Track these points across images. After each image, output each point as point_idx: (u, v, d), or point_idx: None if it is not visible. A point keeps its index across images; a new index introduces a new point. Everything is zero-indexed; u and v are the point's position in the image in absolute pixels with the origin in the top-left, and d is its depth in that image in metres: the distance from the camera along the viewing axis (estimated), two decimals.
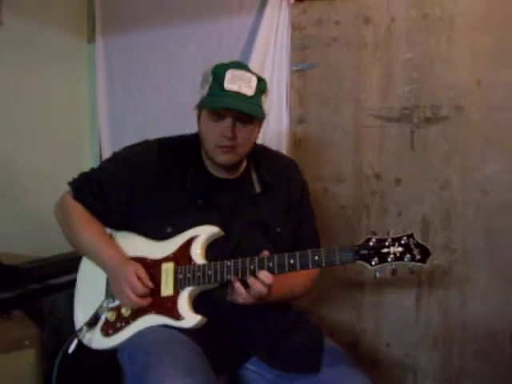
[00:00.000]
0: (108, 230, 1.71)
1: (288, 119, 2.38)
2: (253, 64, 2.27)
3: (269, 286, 1.44)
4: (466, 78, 2.09)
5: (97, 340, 1.59)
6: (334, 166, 2.35)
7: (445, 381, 2.22)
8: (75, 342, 1.57)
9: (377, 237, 1.39)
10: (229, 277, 1.48)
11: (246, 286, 1.46)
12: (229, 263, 1.48)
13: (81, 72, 2.92)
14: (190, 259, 1.55)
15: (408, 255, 1.36)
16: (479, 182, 2.10)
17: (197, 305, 1.53)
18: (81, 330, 1.59)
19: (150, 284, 1.54)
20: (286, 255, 1.44)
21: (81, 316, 1.66)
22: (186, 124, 1.99)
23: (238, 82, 1.51)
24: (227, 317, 1.57)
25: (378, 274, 1.38)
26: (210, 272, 1.50)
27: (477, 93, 2.08)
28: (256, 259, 1.46)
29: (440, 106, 2.14)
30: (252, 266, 1.45)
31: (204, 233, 1.57)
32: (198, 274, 1.51)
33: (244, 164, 1.70)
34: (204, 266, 1.52)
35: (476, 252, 2.12)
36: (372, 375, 1.51)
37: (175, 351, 1.39)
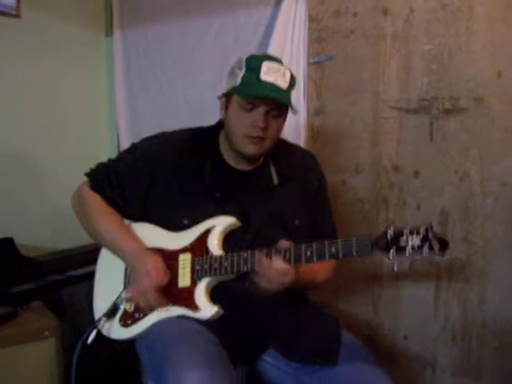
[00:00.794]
0: (126, 221, 1.72)
1: (306, 111, 2.38)
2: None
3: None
4: (485, 69, 2.06)
5: (115, 330, 1.61)
6: (352, 158, 2.34)
7: (463, 376, 2.20)
8: (94, 332, 1.58)
9: (395, 228, 1.37)
10: (246, 268, 1.48)
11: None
12: (246, 254, 1.48)
13: (99, 65, 2.94)
14: (207, 250, 1.55)
15: (427, 246, 1.33)
16: (498, 174, 2.07)
17: (214, 295, 1.54)
18: (99, 320, 1.61)
19: (168, 275, 1.55)
20: (303, 246, 1.44)
21: (100, 306, 1.67)
22: (202, 116, 2.00)
23: (275, 74, 1.53)
24: (244, 308, 1.57)
25: (395, 267, 1.37)
26: (226, 263, 1.50)
27: (497, 84, 2.05)
28: (273, 250, 1.45)
29: (459, 98, 2.11)
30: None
31: (221, 224, 1.57)
32: (215, 265, 1.51)
33: (262, 156, 1.70)
34: (221, 257, 1.52)
35: (495, 244, 2.09)
36: (389, 369, 1.50)
37: (193, 341, 1.40)
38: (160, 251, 1.60)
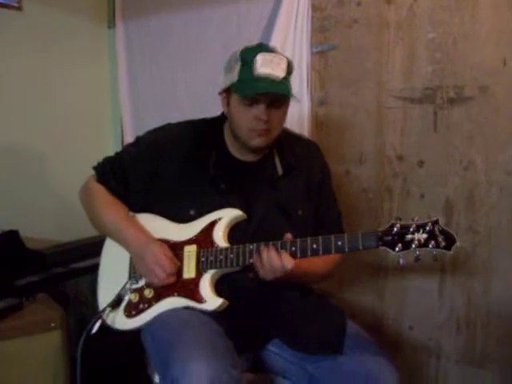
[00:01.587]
0: (131, 213, 1.72)
1: (309, 101, 2.36)
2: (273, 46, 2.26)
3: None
4: (490, 58, 2.04)
5: (120, 321, 1.61)
6: (356, 148, 2.32)
7: (468, 365, 2.20)
8: (98, 322, 1.59)
9: (401, 223, 1.37)
10: (251, 260, 1.48)
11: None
12: (251, 247, 1.49)
13: (101, 57, 2.93)
14: (212, 242, 1.56)
15: (432, 242, 1.33)
16: (503, 163, 2.06)
17: (219, 287, 1.54)
18: (104, 310, 1.61)
19: (177, 262, 1.56)
20: (309, 240, 1.44)
21: (104, 297, 1.67)
22: (205, 107, 1.99)
23: (270, 65, 1.51)
24: (249, 299, 1.57)
25: (401, 261, 1.36)
26: (232, 255, 1.51)
27: (502, 72, 2.03)
28: (279, 243, 1.46)
29: (464, 87, 2.09)
30: None
31: (227, 216, 1.57)
32: (221, 257, 1.52)
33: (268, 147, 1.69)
34: (226, 249, 1.52)
35: (500, 234, 2.08)
36: (394, 358, 1.50)
37: (198, 332, 1.41)
38: (165, 242, 1.60)
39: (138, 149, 1.72)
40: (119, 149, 1.87)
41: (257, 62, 1.51)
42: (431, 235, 1.34)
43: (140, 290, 1.61)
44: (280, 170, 1.68)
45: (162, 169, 1.65)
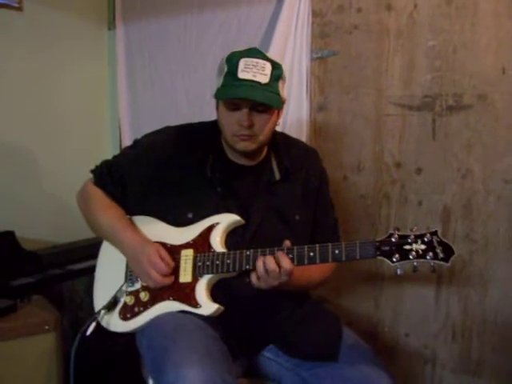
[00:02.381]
0: (128, 216, 1.71)
1: (308, 107, 2.36)
2: (273, 51, 2.26)
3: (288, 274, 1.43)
4: (490, 66, 2.05)
5: (115, 323, 1.61)
6: (354, 155, 2.33)
7: (463, 373, 2.20)
8: (93, 324, 1.58)
9: (399, 233, 1.37)
10: (248, 266, 1.48)
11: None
12: (248, 253, 1.48)
13: (101, 58, 2.92)
14: (209, 247, 1.55)
15: (431, 253, 1.33)
16: (501, 172, 2.06)
17: (214, 291, 1.54)
18: (99, 312, 1.61)
19: (172, 263, 1.55)
20: (306, 248, 1.43)
21: (100, 299, 1.67)
22: (204, 111, 1.98)
23: (252, 70, 1.49)
24: (245, 304, 1.56)
25: (399, 271, 1.36)
26: (228, 261, 1.50)
27: (501, 81, 2.03)
28: (275, 250, 1.45)
29: (463, 95, 2.10)
30: None
31: (224, 221, 1.57)
32: (217, 262, 1.51)
33: (264, 151, 1.69)
34: (223, 254, 1.52)
35: (497, 242, 2.09)
36: (390, 365, 1.50)
37: (193, 336, 1.40)
38: (162, 245, 1.59)
39: (135, 152, 1.72)
40: (117, 152, 1.88)
41: (240, 67, 1.49)
42: (429, 246, 1.33)
43: (136, 293, 1.60)
44: (277, 175, 1.67)
45: (160, 172, 1.65)
